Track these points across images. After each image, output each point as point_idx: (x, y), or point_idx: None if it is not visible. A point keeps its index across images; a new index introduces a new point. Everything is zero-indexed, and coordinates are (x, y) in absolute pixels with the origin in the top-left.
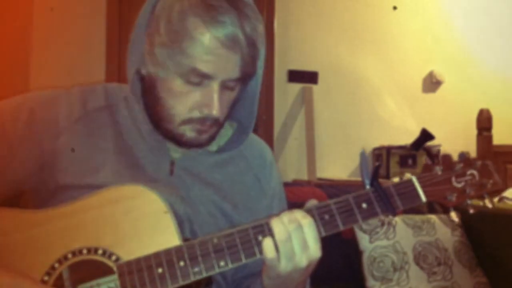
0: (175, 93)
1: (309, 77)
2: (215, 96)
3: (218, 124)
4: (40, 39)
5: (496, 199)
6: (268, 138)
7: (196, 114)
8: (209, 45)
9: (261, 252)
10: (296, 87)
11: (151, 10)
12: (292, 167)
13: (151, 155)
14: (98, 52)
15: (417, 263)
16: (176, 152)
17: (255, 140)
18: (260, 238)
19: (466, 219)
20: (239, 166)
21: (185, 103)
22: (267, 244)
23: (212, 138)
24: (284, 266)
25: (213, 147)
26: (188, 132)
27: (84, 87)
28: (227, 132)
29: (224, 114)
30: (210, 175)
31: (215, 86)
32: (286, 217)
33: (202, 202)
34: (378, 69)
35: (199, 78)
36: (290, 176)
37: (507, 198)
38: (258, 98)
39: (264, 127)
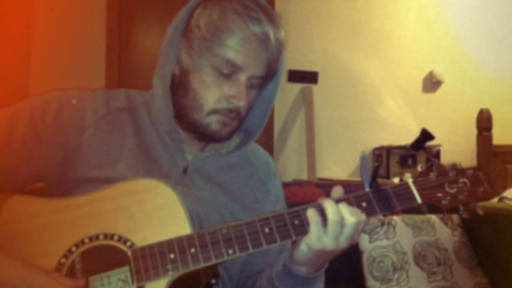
0: (206, 84)
1: (309, 77)
2: (242, 88)
3: (239, 118)
4: (40, 39)
5: (496, 199)
6: (268, 138)
7: (223, 105)
8: (245, 38)
9: (268, 241)
10: (296, 87)
11: (188, 15)
12: (292, 167)
13: (167, 154)
14: (98, 52)
15: (417, 263)
16: (190, 154)
17: (260, 150)
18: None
19: (466, 219)
20: (246, 170)
21: (214, 94)
22: (312, 213)
23: (231, 134)
24: (328, 242)
25: (223, 150)
26: (214, 124)
27: (108, 90)
28: (234, 140)
29: (245, 110)
30: (220, 177)
31: (242, 79)
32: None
33: (212, 202)
34: (378, 69)
35: (229, 70)
36: (290, 176)
37: (507, 198)
38: (273, 103)
39: (264, 127)
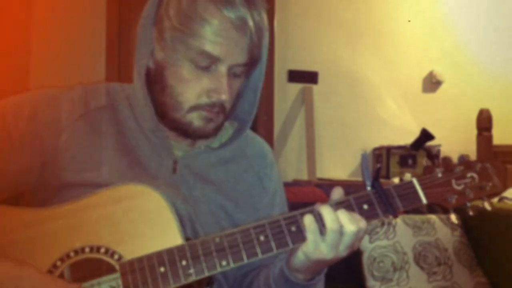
0: (183, 79)
1: (309, 77)
2: (224, 81)
3: (224, 111)
4: (40, 39)
5: (496, 199)
6: (268, 138)
7: (204, 100)
8: (220, 26)
9: (264, 251)
10: (296, 87)
11: (158, 2)
12: (292, 167)
13: (154, 153)
14: (98, 52)
15: (417, 263)
16: (179, 150)
17: (257, 140)
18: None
19: (466, 219)
20: (241, 165)
21: (194, 89)
22: (309, 220)
23: (217, 129)
24: (326, 251)
25: (215, 143)
26: (196, 121)
27: (86, 86)
28: (227, 131)
29: (231, 102)
30: (213, 173)
31: (223, 70)
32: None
33: (204, 201)
34: (378, 69)
35: (207, 62)
36: (290, 176)
37: (507, 198)
38: (260, 90)
39: (264, 127)
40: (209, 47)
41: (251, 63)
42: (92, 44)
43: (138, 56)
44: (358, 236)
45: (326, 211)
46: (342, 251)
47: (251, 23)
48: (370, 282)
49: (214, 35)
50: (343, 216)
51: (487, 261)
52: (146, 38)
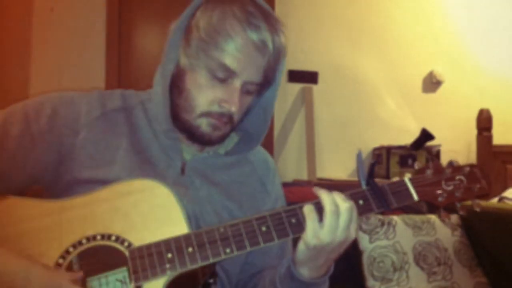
0: (200, 85)
1: (309, 77)
2: (236, 94)
3: (232, 123)
4: (40, 39)
5: (496, 199)
6: (268, 138)
7: (215, 108)
8: (242, 43)
9: (266, 240)
10: (296, 87)
11: (191, 14)
12: (292, 167)
13: (163, 154)
14: (98, 52)
15: (417, 263)
16: (188, 154)
17: (259, 148)
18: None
19: (466, 219)
20: (245, 169)
21: (207, 96)
22: (308, 209)
23: (222, 138)
24: (324, 236)
25: (221, 150)
26: (204, 126)
27: (102, 91)
28: (232, 139)
29: (239, 116)
30: (218, 176)
31: (237, 84)
32: (336, 195)
33: (210, 202)
34: (378, 69)
35: (224, 74)
36: (290, 176)
37: (507, 198)
38: (272, 110)
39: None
40: (228, 61)
41: (264, 83)
42: (92, 45)
43: (166, 62)
44: (352, 216)
45: (324, 194)
46: (340, 235)
47: (271, 46)
48: (370, 282)
49: (235, 51)
50: (337, 196)
51: (487, 261)
52: (175, 45)
